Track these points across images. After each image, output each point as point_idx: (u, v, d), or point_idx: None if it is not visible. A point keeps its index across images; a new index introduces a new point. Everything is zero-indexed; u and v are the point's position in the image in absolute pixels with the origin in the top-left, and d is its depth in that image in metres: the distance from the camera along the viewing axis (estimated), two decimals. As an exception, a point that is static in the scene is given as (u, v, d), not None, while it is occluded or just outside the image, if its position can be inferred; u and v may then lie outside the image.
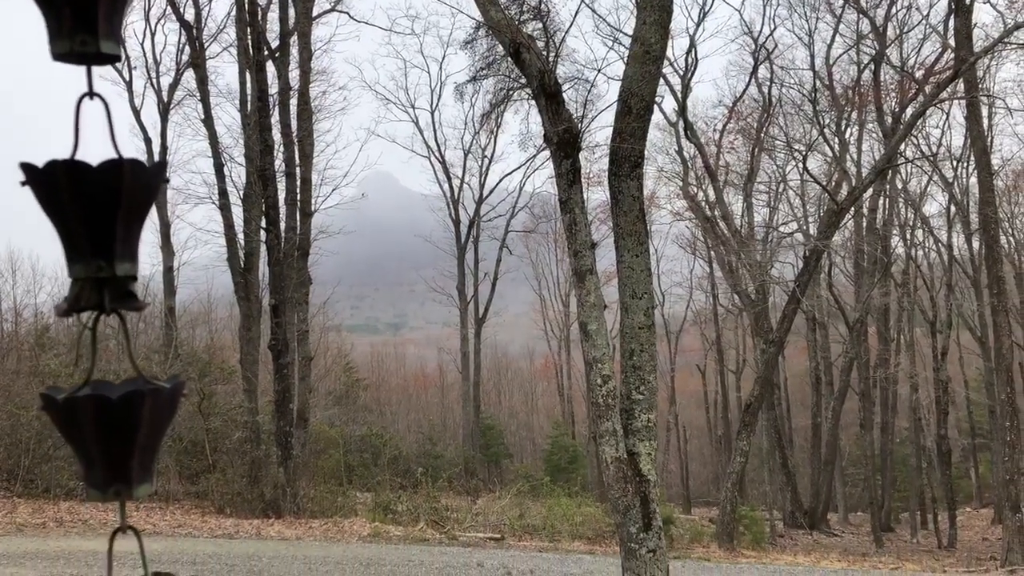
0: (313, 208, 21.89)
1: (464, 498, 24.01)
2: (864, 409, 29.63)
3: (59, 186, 0.77)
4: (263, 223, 18.91)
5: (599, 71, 38.70)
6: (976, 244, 29.45)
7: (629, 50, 8.11)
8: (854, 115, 28.97)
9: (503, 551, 14.34)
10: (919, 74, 24.45)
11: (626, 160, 7.71)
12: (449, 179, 36.68)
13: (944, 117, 29.20)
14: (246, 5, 19.29)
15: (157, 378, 0.81)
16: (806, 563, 16.28)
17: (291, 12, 20.70)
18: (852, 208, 23.96)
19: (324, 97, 28.88)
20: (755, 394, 19.62)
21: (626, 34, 22.92)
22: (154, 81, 28.15)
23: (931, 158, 28.84)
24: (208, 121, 22.93)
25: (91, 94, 0.81)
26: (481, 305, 35.94)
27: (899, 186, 30.65)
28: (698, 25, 26.09)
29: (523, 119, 62.18)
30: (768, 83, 27.49)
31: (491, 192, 36.75)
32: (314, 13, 22.37)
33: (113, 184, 0.78)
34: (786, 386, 37.39)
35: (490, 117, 32.01)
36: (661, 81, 20.87)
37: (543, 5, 11.76)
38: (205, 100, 23.24)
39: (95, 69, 0.83)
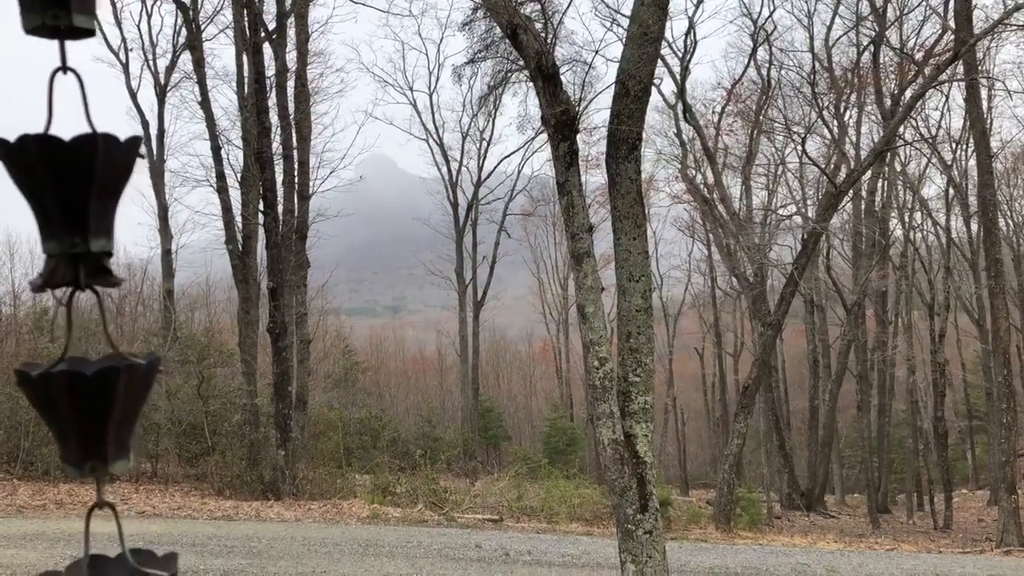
0: (311, 191, 21.86)
1: (463, 480, 24.16)
2: (861, 391, 29.73)
3: (31, 161, 0.77)
4: (261, 206, 18.88)
5: (597, 52, 38.49)
6: (975, 227, 29.44)
7: (627, 31, 8.07)
8: (853, 97, 28.90)
9: (501, 533, 14.42)
10: (919, 56, 24.36)
11: (624, 142, 7.69)
12: (447, 162, 36.64)
13: (943, 99, 29.16)
14: (242, -14, 19.17)
15: (135, 355, 0.81)
16: (803, 544, 16.39)
17: (288, -7, 20.59)
18: (851, 191, 23.92)
19: (321, 79, 28.77)
20: (753, 377, 19.67)
21: (624, 15, 22.82)
22: (151, 63, 28.02)
23: (930, 140, 28.77)
24: (205, 104, 22.85)
25: (64, 68, 0.80)
26: (480, 288, 35.96)
27: (898, 169, 30.62)
28: (697, 6, 25.92)
29: (521, 101, 61.95)
30: (767, 65, 27.40)
31: (489, 175, 36.71)
32: (311, -6, 22.24)
33: (86, 159, 0.77)
34: (784, 368, 37.50)
35: (488, 99, 31.88)
36: (660, 63, 20.79)
37: (541, -14, 11.68)
38: (202, 82, 23.15)
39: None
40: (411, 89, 38.03)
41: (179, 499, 16.58)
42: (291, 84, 20.55)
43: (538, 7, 13.68)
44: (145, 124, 27.60)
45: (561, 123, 7.84)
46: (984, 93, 26.01)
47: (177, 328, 24.20)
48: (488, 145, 36.84)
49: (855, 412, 32.05)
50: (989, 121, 28.28)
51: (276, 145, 20.17)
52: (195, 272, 36.42)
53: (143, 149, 27.25)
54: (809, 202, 33.02)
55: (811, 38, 28.13)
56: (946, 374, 31.40)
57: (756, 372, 19.74)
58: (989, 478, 33.27)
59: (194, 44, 23.74)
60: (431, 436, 31.85)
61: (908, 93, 22.61)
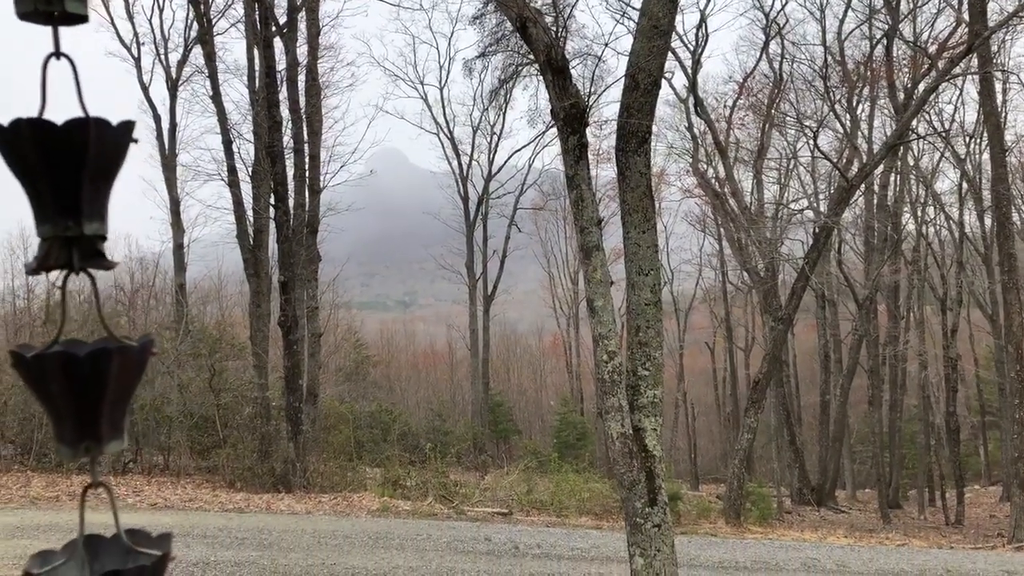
0: (322, 185, 21.91)
1: (472, 473, 24.20)
2: (873, 386, 29.61)
3: (25, 145, 0.78)
4: (272, 200, 18.93)
5: (607, 46, 38.44)
6: (988, 221, 29.24)
7: (637, 24, 8.04)
8: (866, 91, 28.71)
9: (511, 526, 14.45)
10: (932, 49, 24.18)
11: (633, 136, 7.67)
12: (458, 156, 36.65)
13: (957, 93, 28.94)
14: (253, -20, 19.20)
15: (128, 338, 0.82)
16: (813, 539, 16.35)
17: (298, -13, 20.60)
18: (863, 185, 23.81)
19: (332, 73, 28.85)
20: (763, 371, 19.62)
21: (635, 8, 22.71)
22: (162, 58, 28.14)
23: (943, 134, 28.57)
24: (216, 98, 22.89)
25: (57, 54, 0.81)
26: (490, 282, 35.98)
27: (910, 163, 30.43)
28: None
29: (532, 95, 61.89)
30: (779, 59, 27.25)
31: (500, 169, 36.69)
32: (322, -12, 22.26)
33: (79, 143, 0.78)
34: (795, 363, 37.39)
35: (499, 93, 31.87)
36: (671, 56, 20.72)
37: (551, -21, 11.66)
38: (213, 76, 23.19)
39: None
40: (422, 83, 38.28)
41: (191, 491, 16.68)
42: (302, 78, 20.58)
43: (548, 0, 13.65)
44: (157, 118, 27.76)
45: (570, 117, 7.83)
46: (998, 87, 25.81)
47: (189, 322, 24.32)
48: (499, 139, 36.86)
49: (866, 407, 31.93)
50: (1003, 115, 28.06)
51: (287, 139, 20.21)
52: (207, 266, 36.57)
53: (155, 141, 27.36)
54: (821, 196, 32.88)
55: (823, 31, 27.95)
56: (958, 369, 31.24)
57: (767, 367, 19.69)
58: (1001, 474, 33.11)
59: (205, 38, 23.80)
60: (441, 430, 31.91)
61: (921, 86, 22.44)
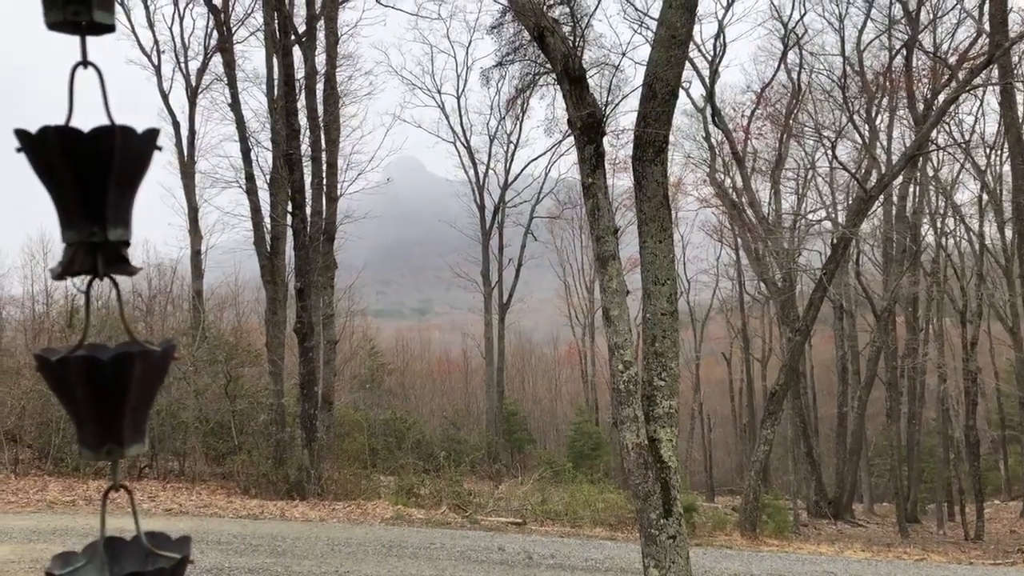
0: (339, 193, 22.02)
1: (486, 483, 24.17)
2: (891, 399, 29.35)
3: (52, 152, 0.79)
4: (289, 207, 19.04)
5: (624, 55, 38.48)
6: (1008, 233, 28.97)
7: (655, 34, 8.04)
8: (885, 101, 28.57)
9: (524, 536, 14.41)
10: (952, 60, 24.04)
11: (650, 145, 7.66)
12: (474, 165, 36.75)
13: (977, 104, 28.73)
14: (273, -10, 19.35)
15: (150, 342, 0.83)
16: (829, 553, 16.20)
17: (318, -3, 20.76)
18: (881, 196, 23.65)
19: (350, 82, 28.99)
20: (780, 383, 19.50)
21: (652, 18, 22.75)
22: (182, 65, 28.40)
23: (963, 145, 28.37)
24: (235, 106, 23.09)
25: (84, 63, 0.83)
26: (506, 291, 36.00)
27: (930, 174, 30.21)
28: (727, 9, 25.87)
29: (549, 104, 62.03)
30: (797, 69, 27.21)
31: (516, 178, 36.77)
32: (341, -2, 22.40)
33: (104, 150, 0.79)
34: (812, 375, 37.13)
35: (516, 102, 31.97)
36: (688, 66, 20.71)
37: (569, -11, 11.70)
38: (232, 85, 23.40)
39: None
40: (439, 92, 38.29)
41: (206, 497, 16.74)
42: (320, 86, 20.72)
43: (566, 10, 13.69)
44: (176, 125, 27.99)
45: (587, 126, 7.84)
46: (1020, 98, 25.57)
47: (206, 328, 24.45)
48: (515, 148, 36.95)
49: (884, 420, 31.64)
50: (1024, 126, 27.81)
51: (305, 147, 20.34)
52: (224, 272, 36.80)
53: (174, 148, 27.58)
54: (839, 207, 32.70)
55: (842, 41, 27.86)
56: (978, 382, 30.90)
57: (784, 378, 19.56)
58: (1022, 489, 32.70)
59: (225, 47, 24.01)
60: (455, 438, 31.91)
61: (941, 97, 22.31)
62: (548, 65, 10.99)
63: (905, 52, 26.03)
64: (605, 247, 7.67)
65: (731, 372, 42.75)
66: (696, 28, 25.10)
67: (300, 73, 20.12)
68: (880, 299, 28.87)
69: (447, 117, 37.41)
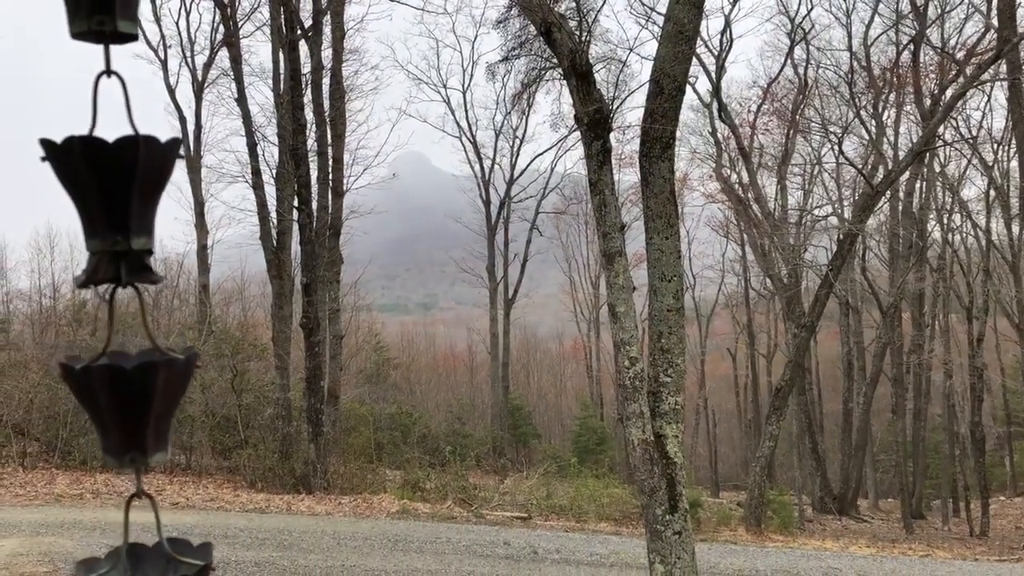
0: (345, 188, 22.03)
1: (492, 477, 24.20)
2: (897, 395, 29.30)
3: (76, 162, 0.79)
4: (295, 202, 19.05)
5: (631, 51, 38.34)
6: (1016, 229, 28.85)
7: (662, 29, 8.02)
8: (892, 97, 28.47)
9: (530, 530, 14.44)
10: (960, 55, 23.93)
11: (657, 141, 7.65)
12: (480, 160, 36.70)
13: (985, 99, 28.59)
14: (279, -16, 19.34)
15: (173, 350, 0.83)
16: (834, 548, 16.20)
17: (324, -9, 20.73)
18: (888, 192, 23.59)
19: (356, 77, 29.05)
20: (786, 378, 19.48)
21: (659, 13, 22.67)
22: (189, 60, 28.42)
23: (971, 141, 28.24)
24: (241, 100, 23.09)
25: (108, 72, 0.83)
26: (511, 286, 35.99)
27: (937, 169, 30.10)
28: (733, 4, 25.81)
29: (555, 99, 61.85)
30: (804, 64, 27.10)
31: (522, 173, 36.71)
32: (347, -8, 22.37)
33: (128, 160, 0.80)
34: (817, 371, 37.09)
35: (521, 97, 31.92)
36: (695, 61, 20.65)
37: (576, -16, 11.66)
38: (238, 79, 23.39)
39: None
40: (445, 87, 38.22)
41: (212, 491, 16.80)
42: (326, 81, 20.70)
43: (572, 5, 13.65)
44: (183, 120, 28.03)
45: (594, 122, 7.83)
46: (1027, 93, 25.47)
47: (212, 322, 24.52)
48: (521, 143, 36.88)
49: (890, 416, 31.62)
50: (1032, 121, 27.68)
51: (311, 142, 20.34)
52: (230, 267, 36.87)
53: (181, 148, 27.71)
54: (845, 203, 32.62)
55: (849, 36, 27.74)
56: (984, 379, 30.84)
57: (789, 374, 19.54)
58: (1027, 485, 32.64)
59: (231, 41, 24.00)
60: (461, 433, 31.93)
61: (948, 92, 22.23)
62: (554, 60, 10.97)
63: (912, 47, 25.92)
64: (612, 243, 7.66)
65: (736, 368, 42.71)
66: (703, 23, 25.00)
67: (306, 68, 20.13)
68: (886, 295, 28.81)
69: (453, 112, 37.42)
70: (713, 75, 24.05)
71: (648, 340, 7.77)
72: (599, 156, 7.80)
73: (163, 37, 28.29)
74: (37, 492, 15.07)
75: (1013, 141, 24.52)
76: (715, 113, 25.03)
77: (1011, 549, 20.35)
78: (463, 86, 37.74)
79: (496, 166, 36.67)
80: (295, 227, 19.87)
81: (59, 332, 24.54)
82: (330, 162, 20.33)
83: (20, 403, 18.24)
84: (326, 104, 20.47)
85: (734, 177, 27.83)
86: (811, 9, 36.73)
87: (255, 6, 26.06)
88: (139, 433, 0.81)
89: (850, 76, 26.07)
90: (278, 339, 19.81)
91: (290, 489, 16.85)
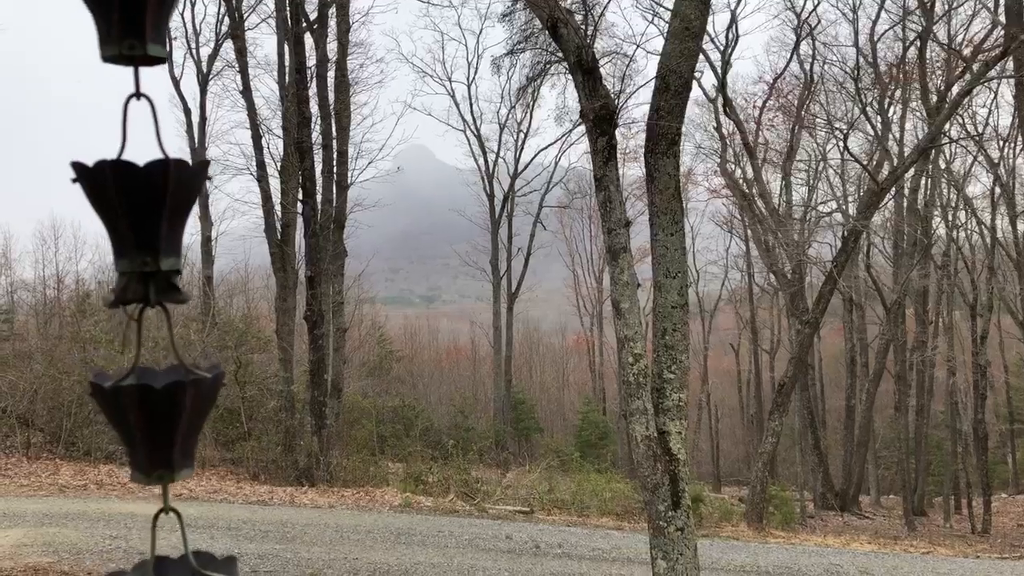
0: (349, 181, 22.02)
1: (494, 471, 24.26)
2: (900, 392, 29.30)
3: (107, 184, 0.81)
4: (300, 195, 19.07)
5: (638, 46, 38.34)
6: (1021, 226, 28.82)
7: (668, 26, 8.00)
8: (898, 93, 28.38)
9: (532, 524, 14.47)
10: (967, 52, 23.84)
11: (663, 138, 7.64)
12: (484, 153, 36.67)
13: (991, 96, 28.53)
14: (285, -23, 19.32)
15: (198, 366, 0.85)
16: (836, 545, 16.22)
17: (330, -16, 20.71)
18: (893, 188, 23.55)
19: (361, 70, 28.95)
20: (789, 374, 19.49)
21: (666, 8, 22.62)
22: (193, 52, 28.42)
23: (976, 138, 28.17)
24: (246, 93, 23.09)
25: (138, 95, 0.84)
26: (514, 280, 36.00)
27: (942, 166, 30.04)
28: (740, 0, 25.66)
29: (560, 93, 61.71)
30: (810, 60, 27.03)
31: (526, 167, 36.69)
32: (352, -15, 22.35)
33: (158, 183, 0.81)
34: (820, 367, 37.09)
35: (526, 91, 31.89)
36: (700, 56, 20.58)
37: (582, -21, 11.64)
38: (243, 71, 23.38)
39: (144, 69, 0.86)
40: (450, 80, 38.21)
41: (215, 483, 16.86)
42: (331, 74, 20.70)
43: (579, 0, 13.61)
44: (187, 112, 28.02)
45: (600, 118, 7.82)
46: (1034, 90, 25.37)
47: (216, 314, 24.56)
48: (525, 137, 36.83)
49: (892, 412, 31.61)
50: (1038, 119, 27.59)
51: (316, 135, 20.34)
52: (234, 259, 36.94)
53: (184, 134, 27.58)
54: (850, 199, 32.57)
55: (856, 32, 27.65)
56: (987, 376, 30.83)
57: (792, 370, 19.55)
58: (1029, 483, 32.63)
59: (236, 33, 23.98)
60: (463, 426, 32.01)
61: (955, 89, 22.15)
62: (559, 54, 10.95)
63: (919, 43, 25.83)
64: (617, 239, 7.66)
65: (739, 363, 42.73)
66: (708, 19, 24.96)
67: (311, 60, 20.11)
68: (890, 292, 28.78)
69: (457, 105, 37.33)
70: (719, 70, 24.00)
71: (652, 336, 7.77)
72: (604, 152, 7.79)
73: (168, 28, 28.25)
74: (41, 482, 15.13)
75: (1019, 138, 24.49)
76: (720, 108, 24.97)
77: (1013, 547, 20.37)
78: (468, 79, 37.61)
79: (500, 160, 36.68)
80: (299, 220, 19.89)
81: (63, 323, 24.58)
82: (335, 155, 20.33)
83: (24, 393, 18.29)
84: (331, 97, 20.47)
85: (739, 172, 27.78)
86: (817, 4, 36.48)
87: (260, -2, 26.05)
88: (166, 450, 0.82)
89: (856, 72, 25.99)
90: (282, 331, 19.85)
91: (293, 481, 16.91)
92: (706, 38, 22.80)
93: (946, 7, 26.03)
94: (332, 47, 21.06)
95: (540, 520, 15.31)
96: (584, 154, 37.03)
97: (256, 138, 22.81)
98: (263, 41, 66.40)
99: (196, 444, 0.85)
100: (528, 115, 36.44)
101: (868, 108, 26.36)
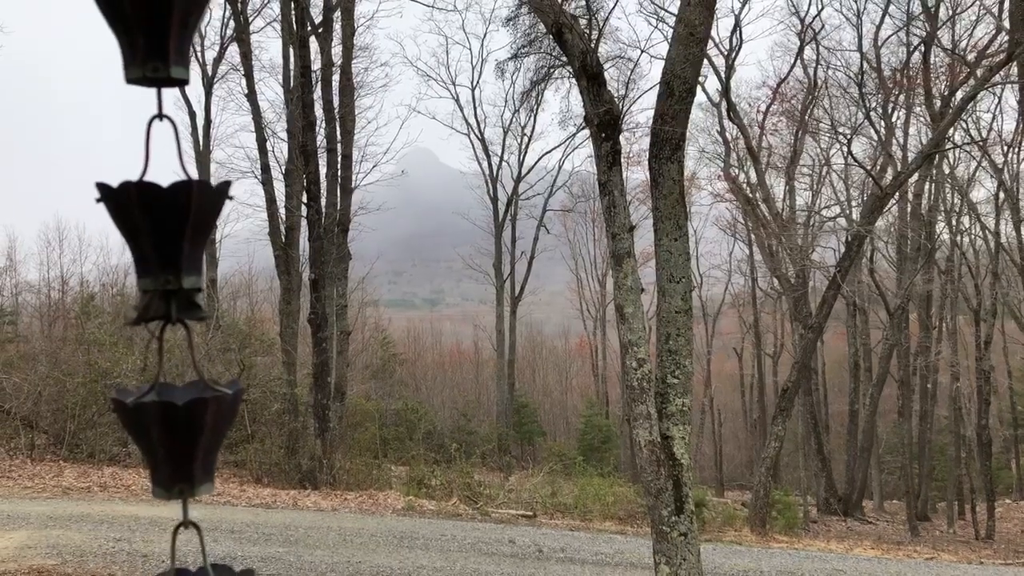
0: (354, 184, 22.06)
1: (497, 474, 24.25)
2: (903, 397, 29.25)
3: (132, 205, 0.82)
4: (304, 198, 19.10)
5: (643, 51, 38.32)
6: (1025, 232, 28.78)
7: (673, 31, 8.02)
8: (901, 98, 28.37)
9: (535, 528, 14.47)
10: (971, 57, 23.83)
11: (667, 143, 7.66)
12: (488, 157, 36.73)
13: (995, 101, 28.51)
14: (290, -20, 19.37)
15: (217, 382, 0.86)
16: (839, 550, 16.20)
17: (334, -12, 20.75)
18: (896, 193, 23.52)
19: (366, 73, 29.10)
20: (792, 379, 19.48)
21: (671, 12, 22.65)
22: (198, 55, 28.47)
23: (980, 143, 28.14)
24: (251, 96, 23.11)
25: (161, 116, 0.85)
26: (517, 283, 36.02)
27: (946, 171, 30.02)
28: (744, 5, 25.78)
29: (563, 97, 61.82)
30: (814, 64, 27.04)
31: (530, 170, 36.72)
32: (357, -11, 22.38)
33: (182, 204, 0.82)
34: (824, 371, 37.03)
35: (530, 95, 31.92)
36: (704, 61, 20.60)
37: (587, -16, 11.68)
38: (248, 75, 23.41)
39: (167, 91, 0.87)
40: (454, 84, 38.45)
41: (218, 485, 16.86)
42: (336, 78, 20.73)
43: (584, 4, 13.63)
44: (192, 114, 28.09)
45: (604, 123, 7.83)
46: (1038, 95, 25.38)
47: (219, 316, 24.57)
48: (529, 140, 36.89)
49: (896, 417, 31.55)
50: (1043, 124, 27.59)
51: (320, 138, 20.38)
52: (238, 262, 36.96)
53: (189, 137, 27.64)
54: (854, 204, 32.55)
55: (859, 37, 27.65)
56: (991, 381, 30.76)
57: (796, 375, 19.54)
58: (1033, 488, 32.55)
59: (241, 37, 24.02)
60: (466, 430, 31.99)
61: (959, 95, 22.14)
62: (563, 58, 10.97)
63: (923, 48, 25.82)
64: (621, 244, 7.67)
65: (742, 367, 42.68)
66: (713, 24, 24.98)
67: (316, 64, 20.15)
68: (894, 297, 28.75)
69: (461, 109, 37.43)
70: (723, 75, 24.02)
71: (655, 341, 7.77)
72: (609, 157, 7.81)
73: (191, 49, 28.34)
74: (45, 484, 15.16)
75: (1023, 143, 24.45)
76: (724, 112, 24.99)
77: (1017, 553, 20.32)
78: (472, 83, 37.82)
79: (504, 163, 36.73)
80: (304, 223, 19.92)
81: (68, 325, 24.63)
82: (339, 158, 20.35)
83: (29, 395, 18.33)
84: (336, 100, 20.50)
85: (742, 177, 27.80)
86: (821, 9, 36.59)
87: (266, 1, 26.15)
88: (187, 466, 0.83)
89: (860, 77, 25.99)
90: (285, 334, 19.87)
91: (296, 484, 16.91)
92: (710, 43, 22.82)
93: (950, 12, 26.04)
94: (337, 51, 21.10)
95: (543, 524, 15.31)
96: (588, 158, 37.09)
97: (261, 141, 22.84)
98: (268, 45, 66.74)
99: (216, 459, 0.86)
100: (532, 119, 36.58)
101: (872, 113, 26.36)
